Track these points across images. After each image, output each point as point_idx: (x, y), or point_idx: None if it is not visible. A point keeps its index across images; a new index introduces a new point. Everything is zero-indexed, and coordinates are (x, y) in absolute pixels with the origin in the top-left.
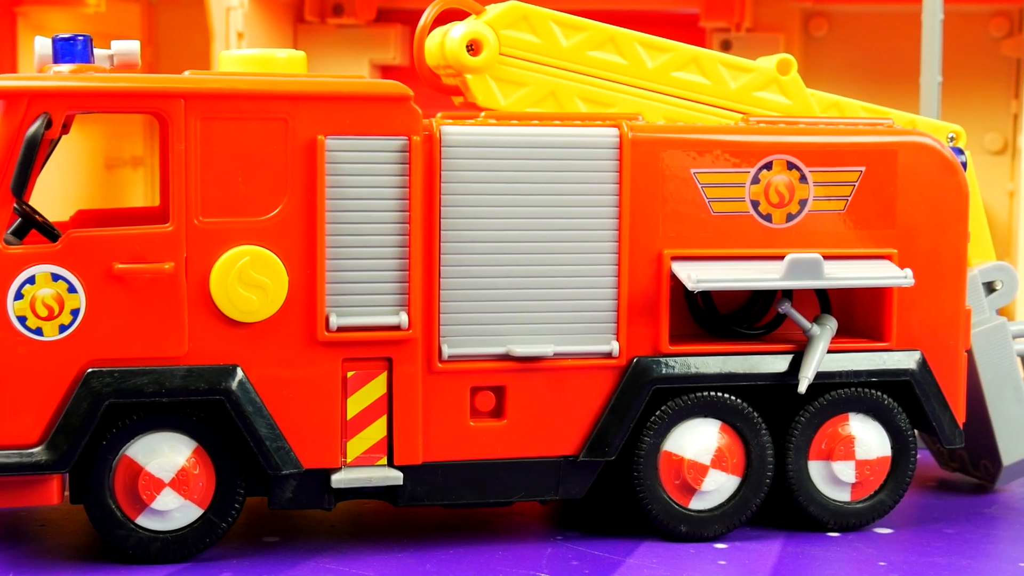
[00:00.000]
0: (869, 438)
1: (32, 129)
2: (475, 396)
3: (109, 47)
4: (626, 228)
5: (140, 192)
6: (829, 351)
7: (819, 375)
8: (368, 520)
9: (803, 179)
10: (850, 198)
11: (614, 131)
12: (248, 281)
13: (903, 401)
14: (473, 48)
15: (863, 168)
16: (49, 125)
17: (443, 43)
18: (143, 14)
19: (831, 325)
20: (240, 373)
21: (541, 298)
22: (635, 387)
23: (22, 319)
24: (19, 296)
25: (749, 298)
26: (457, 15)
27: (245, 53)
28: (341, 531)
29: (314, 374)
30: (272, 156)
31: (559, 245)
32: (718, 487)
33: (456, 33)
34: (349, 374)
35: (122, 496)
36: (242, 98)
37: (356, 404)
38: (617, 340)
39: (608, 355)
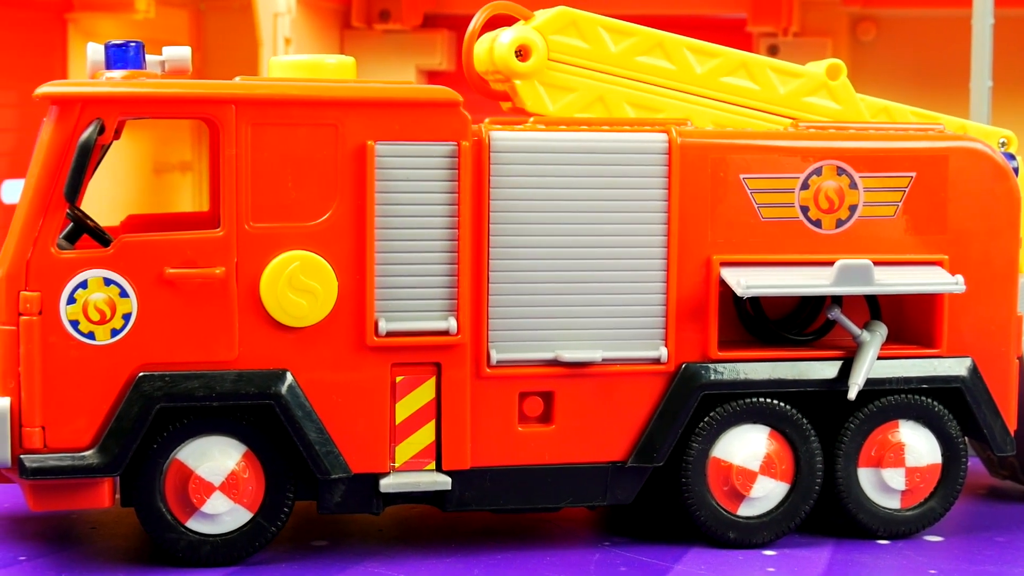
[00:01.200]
0: (919, 445)
1: (85, 135)
2: (523, 401)
3: (159, 53)
4: (675, 233)
5: (188, 197)
6: (879, 358)
7: (869, 381)
8: (416, 525)
9: (853, 185)
10: (901, 204)
11: (663, 136)
12: (298, 286)
13: (954, 408)
14: (522, 54)
15: (914, 174)
16: (102, 131)
17: (492, 48)
18: (191, 20)
19: (881, 331)
20: (290, 377)
21: (590, 303)
22: (684, 393)
23: (74, 323)
24: (72, 300)
25: (798, 304)
26: (506, 20)
27: (295, 59)
28: (389, 536)
29: (363, 379)
30: (322, 161)
31: (608, 251)
32: (767, 494)
33: (505, 39)
34: (398, 379)
35: (172, 499)
36: (292, 104)
37: (405, 409)
38: (666, 346)
39: (656, 361)
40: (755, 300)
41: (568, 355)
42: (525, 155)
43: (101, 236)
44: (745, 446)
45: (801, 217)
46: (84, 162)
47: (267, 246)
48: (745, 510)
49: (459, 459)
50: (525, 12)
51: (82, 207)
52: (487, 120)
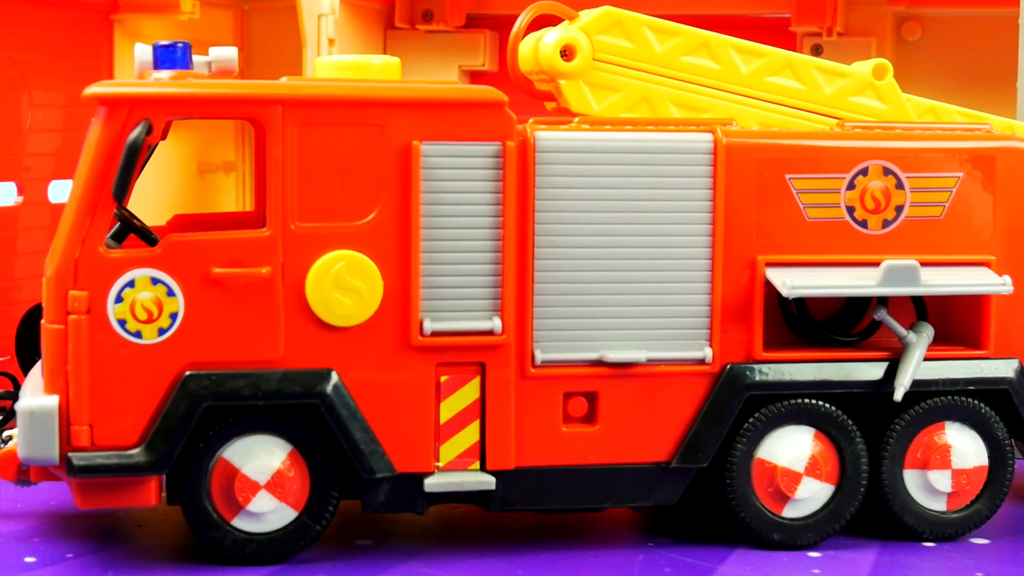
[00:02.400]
0: (966, 447)
1: (133, 135)
2: (568, 401)
3: (205, 53)
4: (720, 234)
5: (231, 197)
6: (925, 359)
7: (915, 383)
8: (460, 524)
9: (899, 185)
10: (947, 204)
11: (708, 136)
12: (343, 285)
13: (1000, 410)
14: (567, 53)
15: (961, 174)
16: (149, 131)
17: (537, 48)
18: (236, 21)
19: (928, 333)
20: (335, 377)
21: (634, 304)
22: (728, 394)
23: (122, 322)
24: (119, 299)
25: (843, 304)
26: (551, 21)
27: (340, 59)
28: (433, 535)
29: (408, 378)
30: (368, 161)
31: (652, 251)
32: (812, 495)
33: (550, 39)
34: (442, 378)
35: (218, 498)
36: (339, 104)
37: (449, 408)
38: (710, 346)
39: (701, 361)
40: (800, 300)
41: (612, 355)
42: (570, 155)
43: (148, 236)
44: (790, 447)
45: (847, 217)
46: (132, 162)
47: (313, 246)
48: (790, 511)
49: (503, 459)
50: (570, 12)
51: (128, 207)
52: (531, 120)
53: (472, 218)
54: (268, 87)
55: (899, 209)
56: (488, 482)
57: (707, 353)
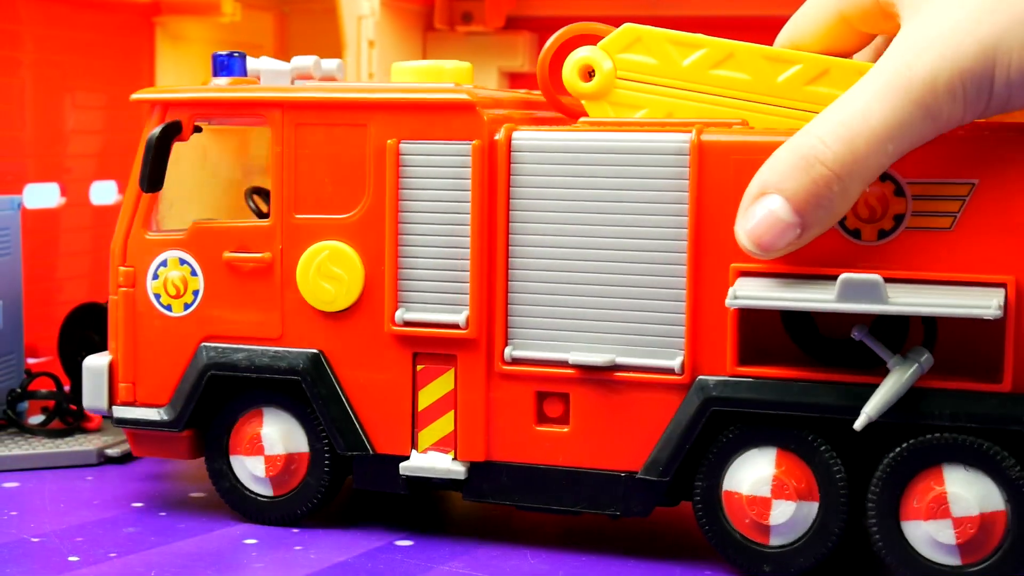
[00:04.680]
0: (965, 492)
1: (152, 133)
2: (544, 401)
3: (242, 56)
4: (694, 238)
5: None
6: (924, 387)
7: (916, 415)
8: (500, 527)
9: (899, 191)
10: (959, 215)
11: (684, 136)
12: (326, 273)
13: (1019, 451)
14: (589, 74)
15: (975, 181)
16: (177, 130)
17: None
18: (276, 23)
19: (921, 360)
20: (319, 357)
21: (607, 307)
22: (692, 407)
23: (157, 296)
24: (155, 276)
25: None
26: (588, 39)
27: (416, 65)
28: (473, 536)
29: (387, 365)
30: (354, 159)
31: (627, 254)
32: (790, 517)
33: (570, 61)
34: (419, 367)
35: (235, 435)
36: (329, 107)
37: (427, 397)
38: (682, 356)
39: (671, 371)
40: (807, 316)
41: (575, 357)
42: (545, 155)
43: None
44: (752, 472)
45: (836, 226)
46: (149, 155)
47: (307, 236)
48: (776, 539)
49: (474, 451)
50: (604, 31)
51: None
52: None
53: (445, 214)
54: (271, 91)
55: (898, 218)
56: (458, 472)
57: (676, 362)
